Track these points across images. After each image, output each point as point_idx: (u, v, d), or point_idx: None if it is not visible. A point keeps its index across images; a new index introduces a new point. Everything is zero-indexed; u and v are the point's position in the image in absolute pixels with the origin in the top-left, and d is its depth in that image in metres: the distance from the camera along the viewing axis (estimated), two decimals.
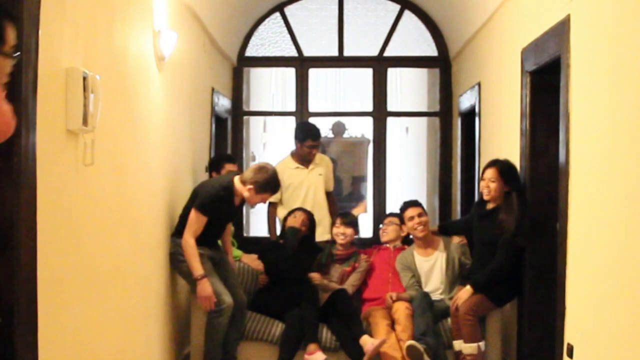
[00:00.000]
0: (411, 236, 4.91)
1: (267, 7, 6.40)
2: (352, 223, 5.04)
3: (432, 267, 4.71)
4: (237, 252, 4.97)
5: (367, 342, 4.22)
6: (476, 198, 4.75)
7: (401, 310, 4.46)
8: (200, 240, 4.06)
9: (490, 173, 4.06)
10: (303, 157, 5.38)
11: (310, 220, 4.91)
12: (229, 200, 4.13)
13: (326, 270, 4.93)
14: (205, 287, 3.95)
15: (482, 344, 4.12)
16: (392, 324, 4.46)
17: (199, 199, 4.03)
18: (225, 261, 4.37)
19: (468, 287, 4.13)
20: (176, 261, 4.07)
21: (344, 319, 4.40)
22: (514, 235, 3.92)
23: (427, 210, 4.98)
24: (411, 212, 4.76)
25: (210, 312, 4.05)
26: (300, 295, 4.46)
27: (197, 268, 3.95)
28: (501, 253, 4.01)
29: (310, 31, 6.67)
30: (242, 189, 4.07)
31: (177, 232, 4.08)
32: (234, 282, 4.30)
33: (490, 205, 4.18)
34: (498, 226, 3.98)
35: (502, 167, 4.02)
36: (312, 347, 4.27)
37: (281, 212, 5.29)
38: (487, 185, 4.07)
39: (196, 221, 4.00)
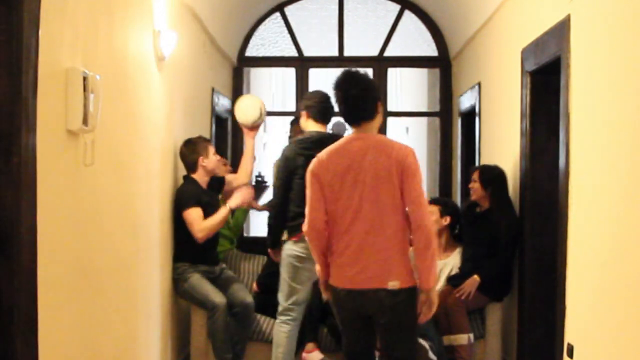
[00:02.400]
0: None
1: (267, 7, 6.40)
2: None
3: (439, 272, 4.67)
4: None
5: None
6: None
7: None
8: (196, 257, 4.13)
9: (475, 175, 4.37)
10: None
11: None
12: (198, 186, 4.20)
13: None
14: (239, 196, 4.26)
15: (471, 335, 4.14)
16: None
17: (178, 204, 4.12)
18: (224, 273, 4.39)
19: (475, 276, 4.15)
20: (178, 286, 4.14)
21: None
22: (515, 234, 4.02)
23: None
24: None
25: (207, 313, 4.11)
26: None
27: (222, 210, 4.17)
28: (507, 250, 4.10)
29: (310, 31, 6.66)
30: (203, 168, 4.20)
31: (176, 257, 4.16)
32: (237, 287, 4.31)
33: (479, 209, 4.41)
34: (497, 227, 4.10)
35: (483, 170, 4.37)
36: (310, 345, 4.28)
37: None
38: (472, 186, 4.38)
39: (195, 217, 4.06)
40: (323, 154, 3.05)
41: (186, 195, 4.13)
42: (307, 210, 3.07)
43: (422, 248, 2.85)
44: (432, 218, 4.55)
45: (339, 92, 3.02)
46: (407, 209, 2.90)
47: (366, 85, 3.01)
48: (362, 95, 2.97)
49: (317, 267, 3.19)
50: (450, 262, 4.60)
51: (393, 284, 2.86)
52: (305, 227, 3.08)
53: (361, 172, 2.90)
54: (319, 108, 3.96)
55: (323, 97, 4.01)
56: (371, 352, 3.20)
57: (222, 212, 4.17)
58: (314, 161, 3.04)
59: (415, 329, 3.09)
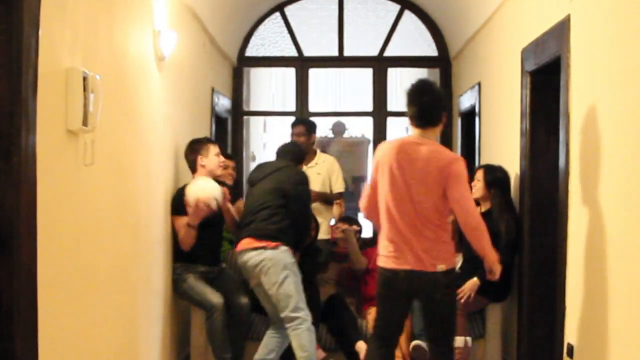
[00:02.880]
0: None
1: (267, 7, 6.40)
2: (351, 223, 5.06)
3: None
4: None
5: (362, 349, 4.22)
6: None
7: None
8: (195, 257, 4.13)
9: (479, 174, 4.32)
10: None
11: (316, 226, 4.97)
12: None
13: (324, 268, 4.94)
14: (192, 213, 3.94)
15: (469, 339, 4.14)
16: None
17: (171, 205, 4.09)
18: (223, 273, 4.39)
19: (475, 279, 4.16)
20: (178, 287, 4.14)
21: (341, 324, 4.42)
22: (514, 237, 4.02)
23: None
24: None
25: (205, 314, 4.11)
26: None
27: (182, 230, 4.00)
28: (507, 252, 4.07)
29: (310, 31, 6.67)
30: (202, 167, 4.16)
31: (175, 257, 4.16)
32: (233, 287, 4.30)
33: (479, 209, 4.30)
34: (497, 228, 4.07)
35: (488, 170, 4.31)
36: None
37: None
38: (474, 185, 4.31)
39: (177, 226, 4.04)
40: (387, 144, 3.43)
41: (173, 202, 4.10)
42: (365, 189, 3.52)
43: (474, 241, 3.34)
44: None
45: (413, 97, 3.36)
46: (452, 208, 3.28)
47: (437, 95, 3.40)
48: (432, 103, 3.35)
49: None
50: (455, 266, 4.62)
51: (440, 267, 3.26)
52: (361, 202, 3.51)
53: (411, 173, 3.26)
54: (278, 149, 4.55)
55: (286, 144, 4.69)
56: (399, 334, 3.59)
57: (181, 232, 4.02)
58: (379, 149, 3.46)
59: (455, 309, 3.50)
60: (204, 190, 3.98)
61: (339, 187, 5.47)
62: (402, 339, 4.32)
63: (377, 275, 3.44)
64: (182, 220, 4.01)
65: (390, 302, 3.41)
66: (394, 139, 3.49)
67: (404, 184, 3.25)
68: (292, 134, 5.43)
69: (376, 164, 3.40)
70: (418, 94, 3.35)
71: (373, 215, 3.46)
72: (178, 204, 4.05)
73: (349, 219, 5.30)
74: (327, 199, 5.38)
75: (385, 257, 3.36)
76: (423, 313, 3.53)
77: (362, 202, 3.51)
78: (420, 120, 3.34)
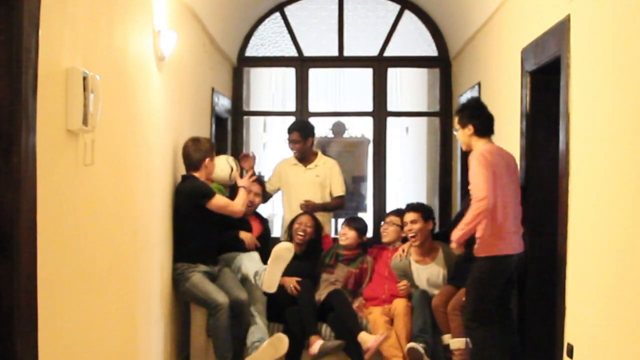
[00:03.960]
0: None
1: (267, 7, 6.40)
2: (358, 228, 5.05)
3: (430, 275, 4.66)
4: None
5: (368, 340, 4.22)
6: None
7: (400, 307, 4.46)
8: (196, 257, 4.15)
9: None
10: (295, 154, 5.48)
11: (314, 223, 4.98)
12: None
13: (331, 270, 4.93)
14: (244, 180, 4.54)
15: (469, 340, 4.13)
16: (391, 322, 4.46)
17: (196, 197, 4.14)
18: (223, 271, 4.41)
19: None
20: (179, 286, 4.16)
21: (342, 318, 4.42)
22: None
23: None
24: (407, 217, 4.70)
25: (209, 312, 4.12)
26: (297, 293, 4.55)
27: (241, 193, 4.41)
28: None
29: (310, 31, 6.66)
30: (205, 169, 4.27)
31: (176, 257, 4.17)
32: (231, 284, 4.30)
33: None
34: None
35: None
36: (312, 338, 4.33)
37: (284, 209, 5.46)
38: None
39: (224, 200, 4.25)
40: (491, 151, 3.77)
41: (205, 188, 4.20)
42: (488, 191, 3.64)
43: None
44: (416, 226, 4.57)
45: (477, 111, 3.98)
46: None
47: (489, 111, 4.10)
48: (491, 116, 3.98)
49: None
50: (436, 268, 4.61)
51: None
52: (486, 203, 3.65)
53: (507, 167, 3.75)
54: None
55: None
56: None
57: (242, 193, 4.38)
58: (486, 156, 3.72)
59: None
60: (229, 159, 4.75)
61: (338, 190, 5.47)
62: (402, 339, 4.32)
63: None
64: (221, 198, 4.24)
65: (499, 285, 3.81)
66: (488, 148, 3.78)
67: (508, 180, 3.74)
68: (288, 141, 5.44)
69: (492, 170, 3.70)
70: (481, 108, 4.00)
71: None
72: (207, 188, 4.22)
73: (355, 219, 5.28)
74: (326, 209, 5.45)
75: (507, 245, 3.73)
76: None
77: (490, 200, 3.68)
78: (488, 129, 3.92)
